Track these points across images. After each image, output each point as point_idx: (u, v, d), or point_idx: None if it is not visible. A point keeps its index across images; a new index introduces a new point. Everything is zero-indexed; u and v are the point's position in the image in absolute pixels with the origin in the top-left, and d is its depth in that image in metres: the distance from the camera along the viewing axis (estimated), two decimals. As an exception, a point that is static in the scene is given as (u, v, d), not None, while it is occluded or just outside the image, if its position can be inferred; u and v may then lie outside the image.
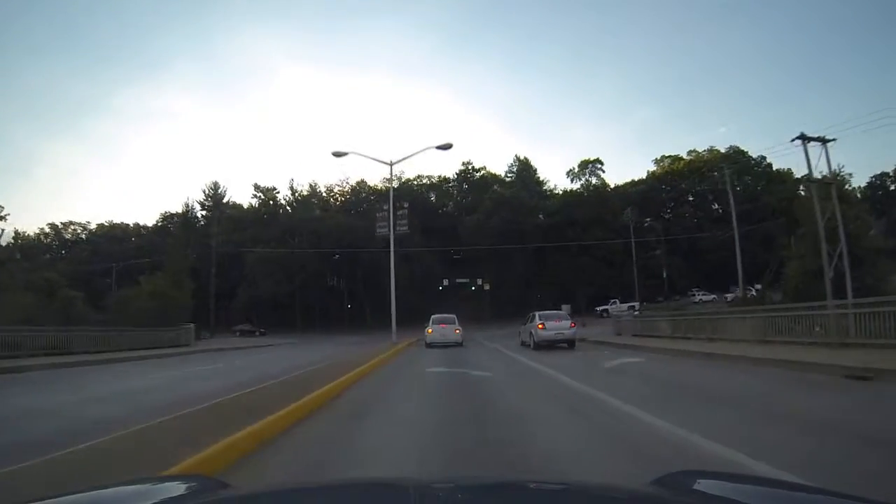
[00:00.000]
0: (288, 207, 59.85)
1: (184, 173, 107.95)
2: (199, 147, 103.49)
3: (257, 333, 48.43)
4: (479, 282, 47.29)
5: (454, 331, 19.82)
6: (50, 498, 1.16)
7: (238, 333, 47.81)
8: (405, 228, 23.53)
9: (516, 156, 67.87)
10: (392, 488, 1.41)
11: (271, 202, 60.44)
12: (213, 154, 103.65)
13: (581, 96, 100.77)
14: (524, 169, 66.48)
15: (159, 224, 67.17)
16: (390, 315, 23.89)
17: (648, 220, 52.01)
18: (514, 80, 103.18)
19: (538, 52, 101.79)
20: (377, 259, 51.70)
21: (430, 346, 19.35)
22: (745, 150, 63.07)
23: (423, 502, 1.20)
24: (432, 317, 20.78)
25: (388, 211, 21.53)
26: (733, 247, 60.03)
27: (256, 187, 62.04)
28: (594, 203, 57.20)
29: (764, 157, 61.73)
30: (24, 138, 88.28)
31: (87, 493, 1.25)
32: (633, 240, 48.33)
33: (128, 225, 73.17)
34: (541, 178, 66.17)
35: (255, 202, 63.04)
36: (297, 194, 59.88)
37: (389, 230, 21.47)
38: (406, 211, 23.86)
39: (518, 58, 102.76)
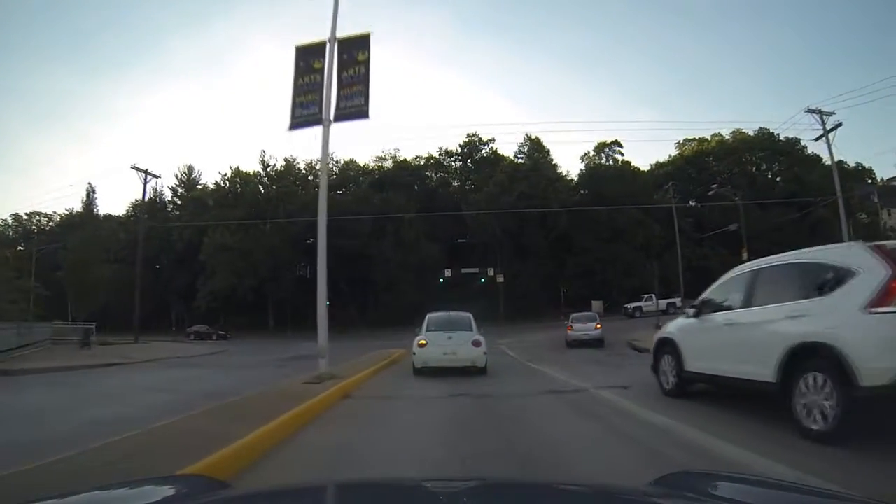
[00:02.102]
0: (260, 186, 50.23)
1: (164, 164, 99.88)
2: (178, 138, 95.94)
3: (214, 337, 39.84)
4: (491, 272, 37.79)
5: (470, 342, 10.30)
6: (50, 498, 1.16)
7: (192, 336, 39.85)
8: (360, 103, 9.17)
9: (527, 135, 58.49)
10: (393, 489, 1.33)
11: (238, 178, 50.82)
12: (194, 145, 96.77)
13: (585, 93, 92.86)
14: (536, 150, 57.53)
15: (129, 213, 61.01)
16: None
17: (714, 186, 42.06)
18: (523, 67, 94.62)
19: (550, 40, 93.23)
20: (364, 246, 42.47)
21: (420, 372, 10.27)
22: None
23: (424, 502, 1.19)
24: (429, 316, 11.42)
25: (325, 67, 8.96)
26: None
27: (237, 172, 54.00)
28: (625, 177, 47.62)
29: (798, 140, 54.75)
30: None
31: (87, 494, 1.23)
32: (674, 205, 39.04)
33: (96, 215, 67.96)
34: (554, 162, 57.24)
35: (226, 185, 54.77)
36: (269, 168, 50.32)
37: (322, 101, 8.95)
38: (363, 70, 9.11)
39: (529, 44, 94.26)
